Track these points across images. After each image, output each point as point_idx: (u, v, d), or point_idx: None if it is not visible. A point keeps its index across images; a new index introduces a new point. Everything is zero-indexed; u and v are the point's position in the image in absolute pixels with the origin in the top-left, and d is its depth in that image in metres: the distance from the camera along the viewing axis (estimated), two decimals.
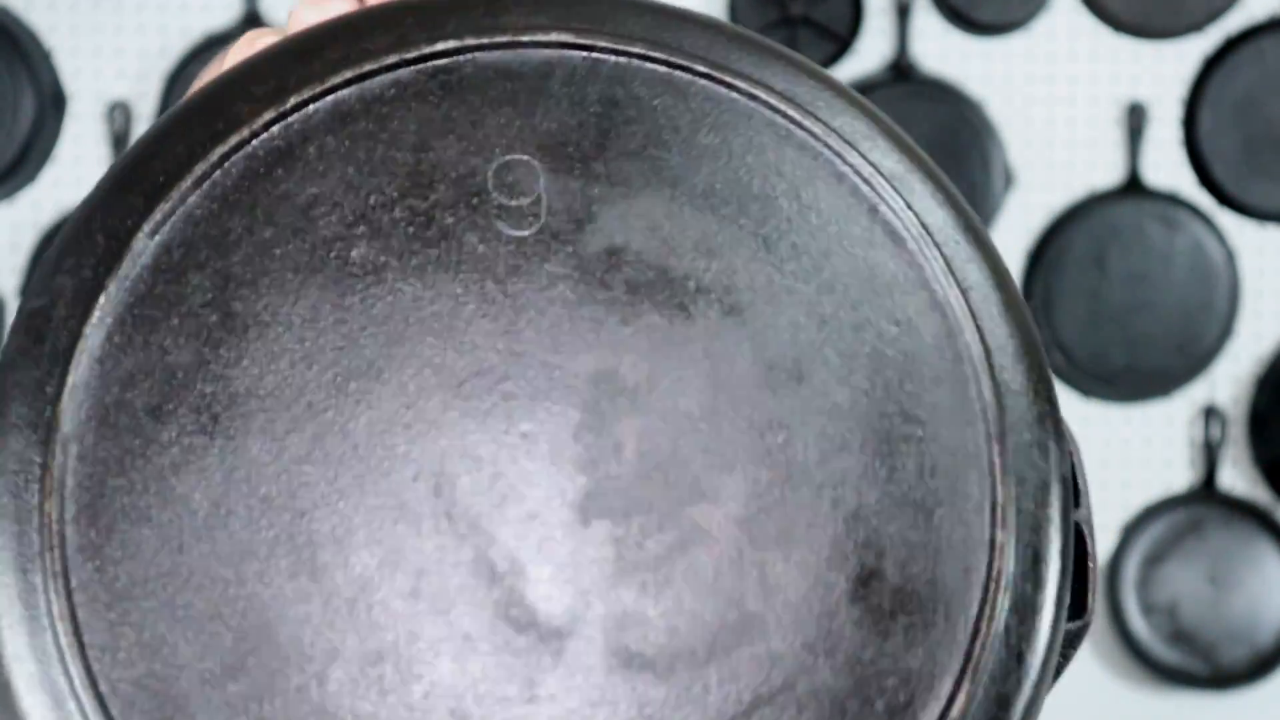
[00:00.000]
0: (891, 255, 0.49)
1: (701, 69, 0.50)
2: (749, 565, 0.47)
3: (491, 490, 0.47)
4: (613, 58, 0.50)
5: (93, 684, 0.46)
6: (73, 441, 0.47)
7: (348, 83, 0.50)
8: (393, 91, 0.50)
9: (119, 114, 2.22)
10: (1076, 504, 0.49)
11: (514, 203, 0.49)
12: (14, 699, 0.46)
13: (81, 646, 0.46)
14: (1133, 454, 2.30)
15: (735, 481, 0.47)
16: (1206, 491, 2.29)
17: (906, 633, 0.46)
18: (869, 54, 2.26)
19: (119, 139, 2.22)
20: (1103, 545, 2.29)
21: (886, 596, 0.47)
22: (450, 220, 0.49)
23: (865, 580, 0.47)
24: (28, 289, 0.48)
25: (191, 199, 0.49)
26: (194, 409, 0.47)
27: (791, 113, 0.50)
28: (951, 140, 2.22)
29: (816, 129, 0.50)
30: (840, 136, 0.50)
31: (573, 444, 0.47)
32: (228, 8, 2.23)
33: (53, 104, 2.22)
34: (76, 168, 2.24)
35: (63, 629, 0.46)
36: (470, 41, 0.50)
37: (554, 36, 0.50)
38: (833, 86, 0.51)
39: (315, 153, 0.49)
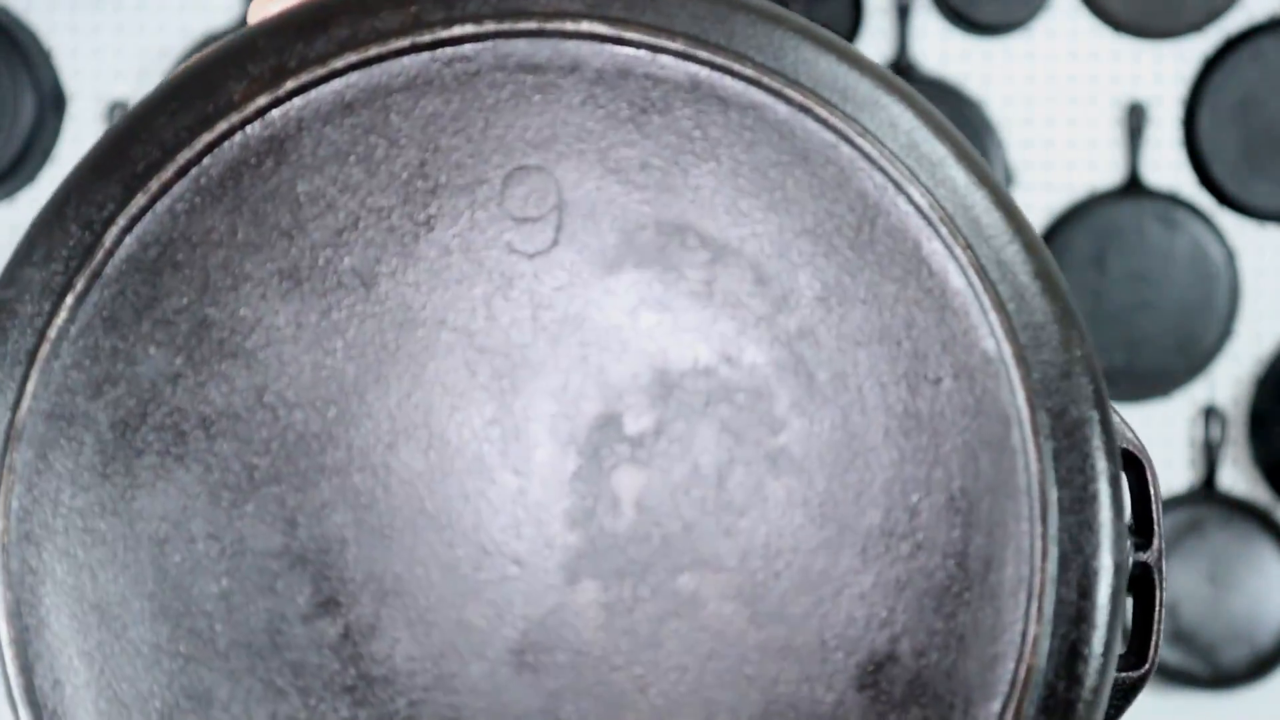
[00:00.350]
0: (943, 306, 0.44)
1: (747, 71, 0.45)
2: (749, 639, 0.42)
3: (472, 539, 0.42)
4: (648, 54, 0.45)
5: (38, 718, 0.43)
6: (30, 452, 0.44)
7: (352, 67, 0.45)
8: (400, 80, 0.45)
9: (119, 114, 2.21)
10: (1145, 547, 0.45)
11: (526, 216, 0.44)
12: None
13: (29, 678, 0.43)
14: None
15: (739, 545, 0.43)
16: (1206, 491, 2.29)
17: None
18: (869, 54, 2.25)
19: None
20: None
21: (899, 686, 0.42)
22: (453, 233, 0.44)
23: (878, 666, 0.42)
24: None
25: (173, 190, 0.45)
26: (160, 426, 0.44)
27: (845, 129, 0.45)
28: None
29: (872, 150, 0.45)
30: (900, 160, 0.45)
31: (566, 494, 0.43)
32: (227, 8, 2.23)
33: (52, 104, 2.22)
34: None
35: (11, 655, 0.43)
36: (490, 27, 0.45)
37: (584, 26, 0.45)
38: (903, 96, 0.45)
39: (311, 145, 0.45)
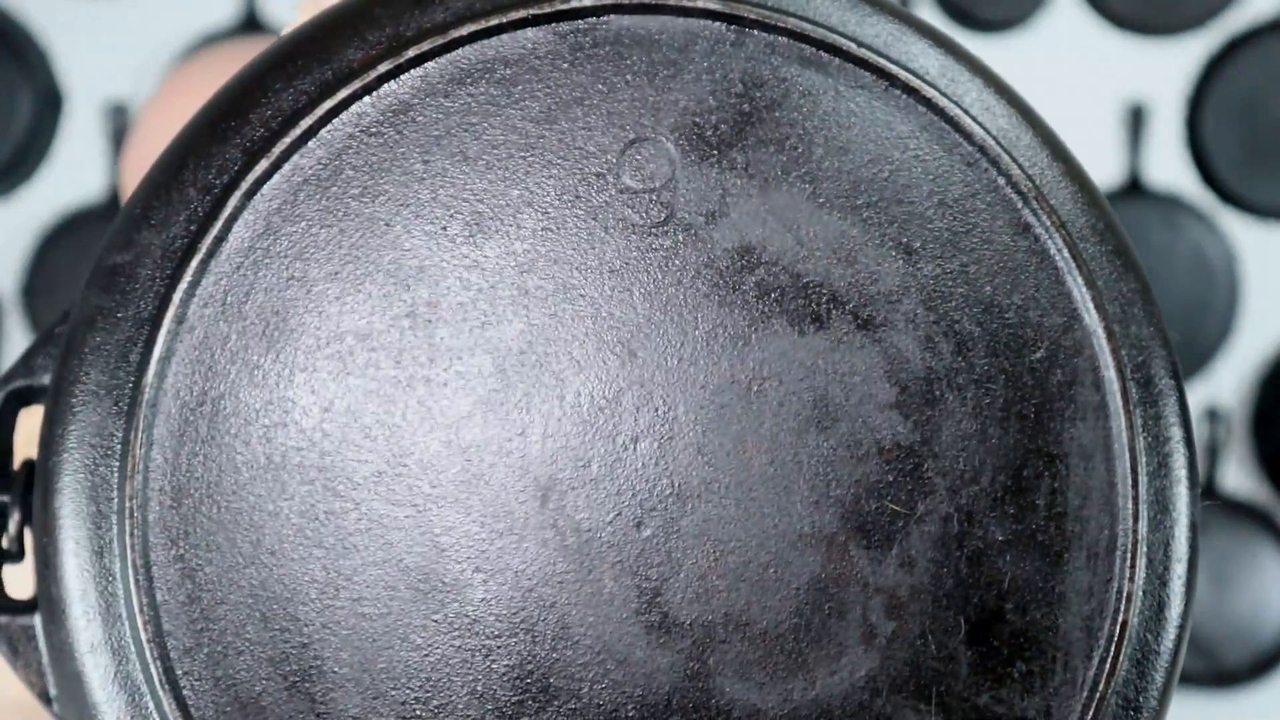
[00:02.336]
0: (1040, 281, 0.46)
1: (856, 52, 0.47)
2: (868, 598, 0.44)
3: (603, 504, 0.44)
4: (761, 32, 0.46)
5: (173, 683, 0.43)
6: (159, 416, 0.44)
7: (472, 37, 0.45)
8: (519, 52, 0.45)
9: (117, 113, 2.21)
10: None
11: (643, 187, 0.46)
12: (87, 692, 0.43)
13: (162, 643, 0.43)
14: None
15: (857, 509, 0.45)
16: (1208, 492, 2.28)
17: (1024, 680, 0.44)
18: None
19: (117, 138, 2.21)
20: None
21: (1006, 641, 0.45)
22: (569, 203, 0.45)
23: (986, 622, 0.45)
24: (108, 240, 0.44)
25: (295, 157, 0.45)
26: (291, 388, 0.44)
27: (949, 110, 0.48)
28: None
29: (973, 130, 0.47)
30: (997, 142, 0.47)
31: (691, 460, 0.44)
32: (226, 7, 2.22)
33: (50, 103, 2.21)
34: (74, 167, 2.23)
35: (142, 622, 0.43)
36: (608, 0, 0.46)
37: (699, 3, 0.46)
38: (996, 84, 0.48)
39: (431, 116, 0.45)
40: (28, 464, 0.47)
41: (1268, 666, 2.27)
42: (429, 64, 0.45)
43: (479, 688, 0.43)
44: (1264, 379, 2.28)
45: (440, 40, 0.45)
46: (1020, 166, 0.47)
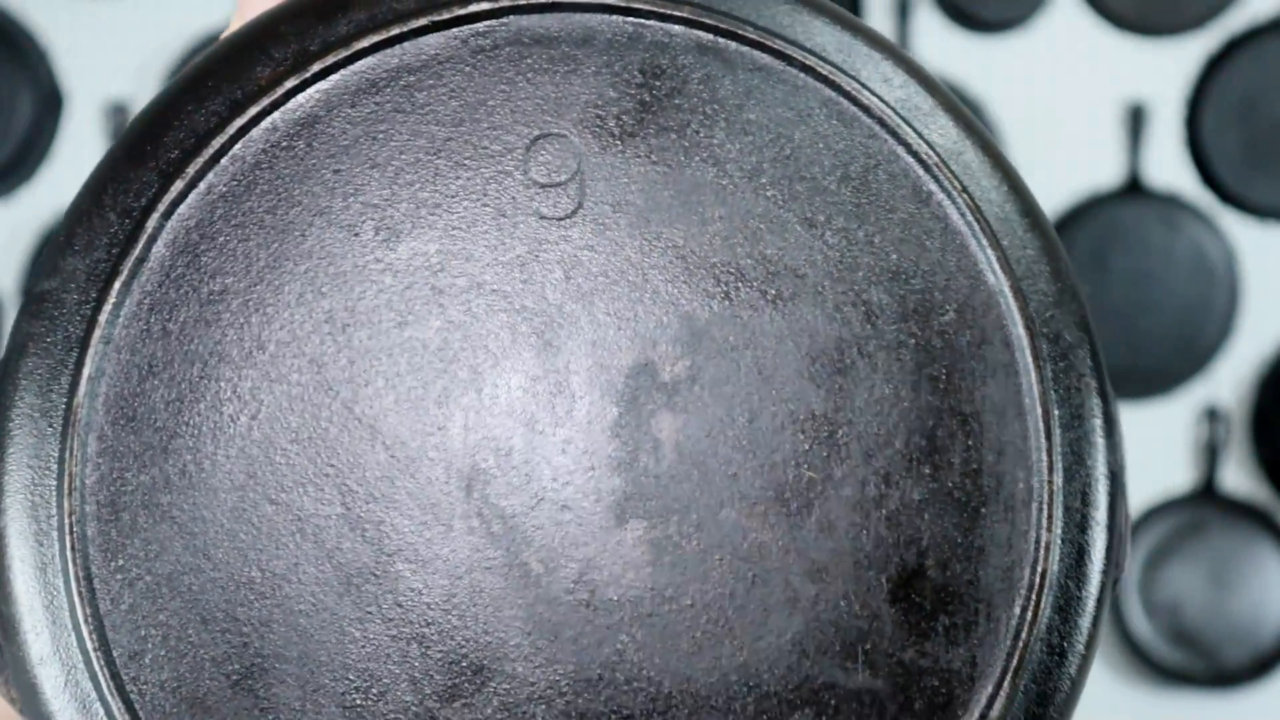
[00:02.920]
0: (945, 245, 0.47)
1: (751, 35, 0.47)
2: (788, 566, 0.46)
3: (524, 489, 0.45)
4: (657, 23, 0.47)
5: (120, 688, 0.44)
6: (92, 434, 0.45)
7: (374, 47, 0.47)
8: (422, 59, 0.47)
9: (117, 113, 2.21)
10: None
11: (550, 182, 0.47)
12: (41, 703, 0.45)
13: (108, 650, 0.45)
14: (1133, 454, 2.30)
15: (775, 478, 0.46)
16: (1208, 492, 2.29)
17: (948, 633, 0.46)
18: None
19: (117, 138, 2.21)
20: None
21: (928, 597, 0.46)
22: (481, 204, 0.46)
23: (907, 580, 0.46)
24: (35, 269, 0.45)
25: (209, 175, 0.46)
26: (218, 400, 0.45)
27: (846, 85, 0.48)
28: None
29: (871, 103, 0.48)
30: (896, 112, 0.48)
31: (609, 441, 0.46)
32: (226, 7, 2.22)
33: (50, 103, 2.21)
34: (74, 167, 2.23)
35: (88, 632, 0.45)
36: (505, 3, 0.47)
37: None
38: (893, 55, 0.48)
39: (339, 127, 0.47)
40: None
41: (1268, 667, 2.27)
42: (334, 76, 0.46)
43: (415, 674, 0.44)
44: (1263, 379, 2.29)
45: (344, 53, 0.46)
46: (920, 135, 0.47)
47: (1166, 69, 2.28)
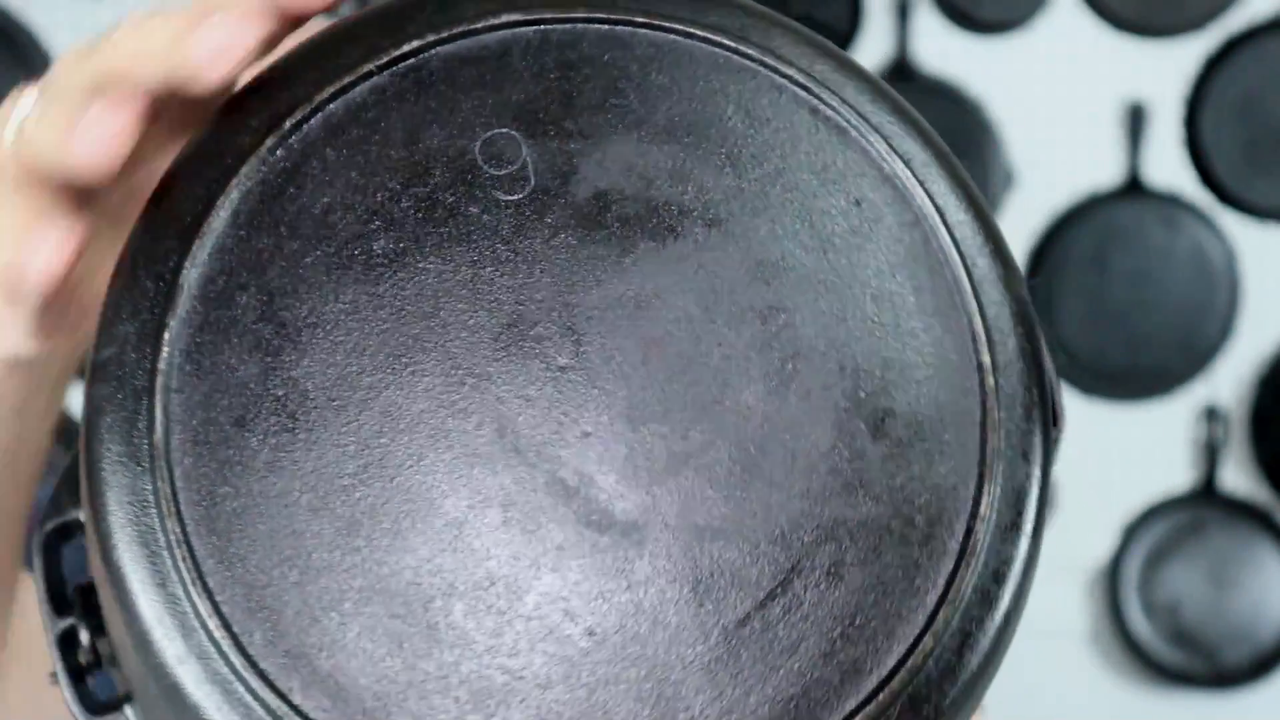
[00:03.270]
0: (840, 146, 0.56)
1: (640, 19, 0.57)
2: (782, 432, 0.53)
3: (547, 420, 0.53)
4: (560, 26, 0.57)
5: (254, 666, 0.51)
6: (175, 465, 0.53)
7: (332, 97, 0.56)
8: (374, 97, 0.56)
9: None
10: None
11: (503, 171, 0.55)
12: (185, 696, 0.51)
13: (235, 638, 0.51)
14: (1133, 454, 2.30)
15: (752, 364, 0.53)
16: (1207, 492, 2.29)
17: (926, 456, 0.53)
18: (869, 54, 2.25)
19: None
20: (1103, 546, 2.30)
21: (902, 429, 0.53)
22: (451, 198, 0.55)
23: (881, 420, 0.54)
24: (93, 344, 0.53)
25: (221, 230, 0.54)
26: (272, 412, 0.53)
27: (726, 41, 0.57)
28: (951, 140, 2.21)
29: (751, 51, 0.57)
30: (774, 54, 0.57)
31: (605, 365, 0.53)
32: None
33: None
34: None
35: (214, 625, 0.51)
36: (431, 38, 0.56)
37: (504, 18, 0.56)
38: (758, 14, 0.57)
39: (319, 166, 0.55)
40: (81, 588, 0.56)
41: (1268, 667, 2.28)
42: (305, 127, 0.55)
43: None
44: (1262, 378, 2.29)
45: (309, 107, 0.55)
46: (800, 69, 0.56)
47: (1166, 69, 2.28)
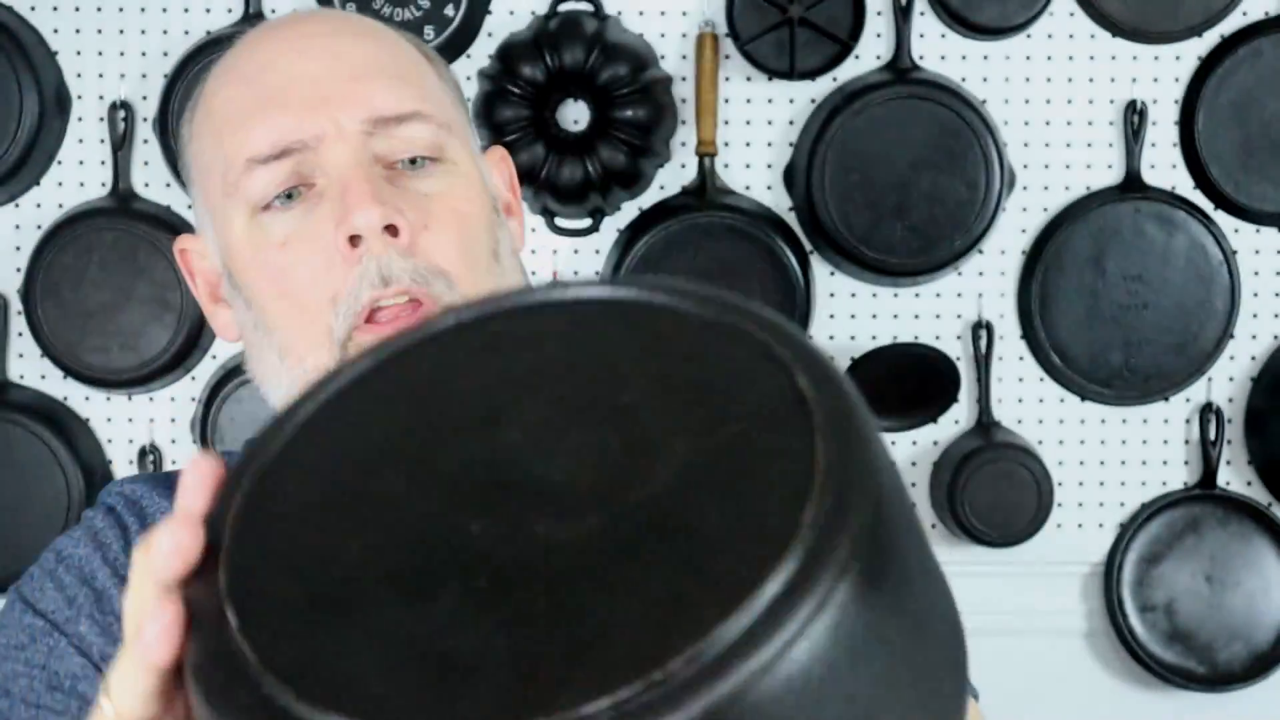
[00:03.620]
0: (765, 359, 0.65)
1: (570, 297, 0.68)
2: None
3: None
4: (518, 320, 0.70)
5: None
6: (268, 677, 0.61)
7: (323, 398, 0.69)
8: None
9: (121, 115, 2.22)
10: None
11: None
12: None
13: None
14: (1130, 454, 2.31)
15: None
16: (1204, 491, 2.30)
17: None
18: (869, 55, 2.26)
19: (121, 140, 2.22)
20: (1100, 544, 2.30)
21: (738, 439, 0.62)
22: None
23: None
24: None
25: (240, 507, 0.66)
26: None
27: (678, 305, 0.67)
28: (951, 140, 2.23)
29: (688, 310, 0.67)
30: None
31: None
32: (229, 9, 2.23)
33: (56, 105, 2.22)
34: (79, 169, 2.24)
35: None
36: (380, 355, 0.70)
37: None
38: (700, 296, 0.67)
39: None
40: None
41: (1264, 665, 2.28)
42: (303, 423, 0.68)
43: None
44: (1258, 378, 2.30)
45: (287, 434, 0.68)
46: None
47: (1162, 71, 2.29)
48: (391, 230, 0.93)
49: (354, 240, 0.93)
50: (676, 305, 0.65)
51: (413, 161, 0.97)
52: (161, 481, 1.04)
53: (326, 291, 0.94)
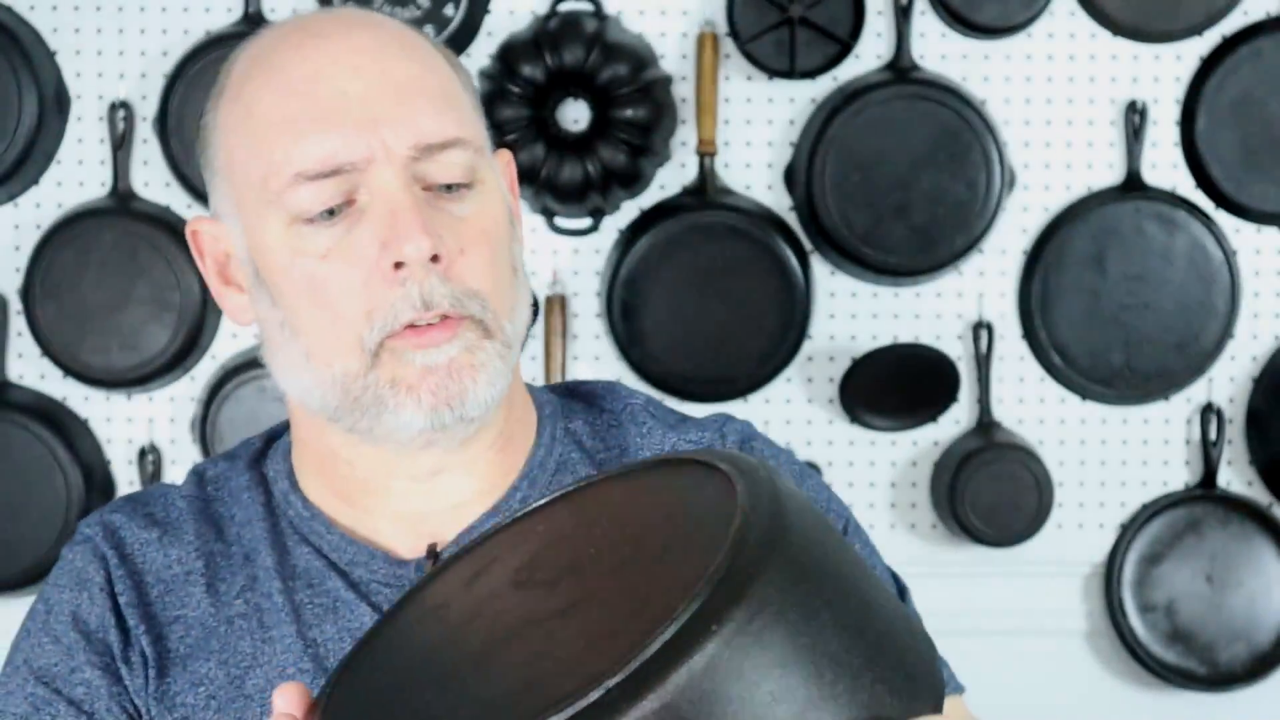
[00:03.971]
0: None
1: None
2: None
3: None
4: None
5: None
6: None
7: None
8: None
9: (120, 115, 2.22)
10: None
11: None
12: None
13: None
14: (1131, 454, 2.31)
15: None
16: (1204, 491, 2.29)
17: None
18: (869, 54, 2.26)
19: (120, 140, 2.22)
20: (1101, 545, 2.30)
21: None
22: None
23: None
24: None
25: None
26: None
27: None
28: (951, 140, 2.23)
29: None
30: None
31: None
32: (229, 9, 2.23)
33: (55, 105, 2.22)
34: (78, 168, 2.24)
35: None
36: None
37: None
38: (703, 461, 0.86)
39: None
40: None
41: (1265, 665, 2.28)
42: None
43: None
44: (1259, 378, 2.29)
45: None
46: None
47: (1163, 71, 2.29)
48: (434, 258, 0.99)
49: (398, 265, 0.99)
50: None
51: (448, 186, 1.01)
52: (140, 508, 1.08)
53: (363, 306, 1.00)
